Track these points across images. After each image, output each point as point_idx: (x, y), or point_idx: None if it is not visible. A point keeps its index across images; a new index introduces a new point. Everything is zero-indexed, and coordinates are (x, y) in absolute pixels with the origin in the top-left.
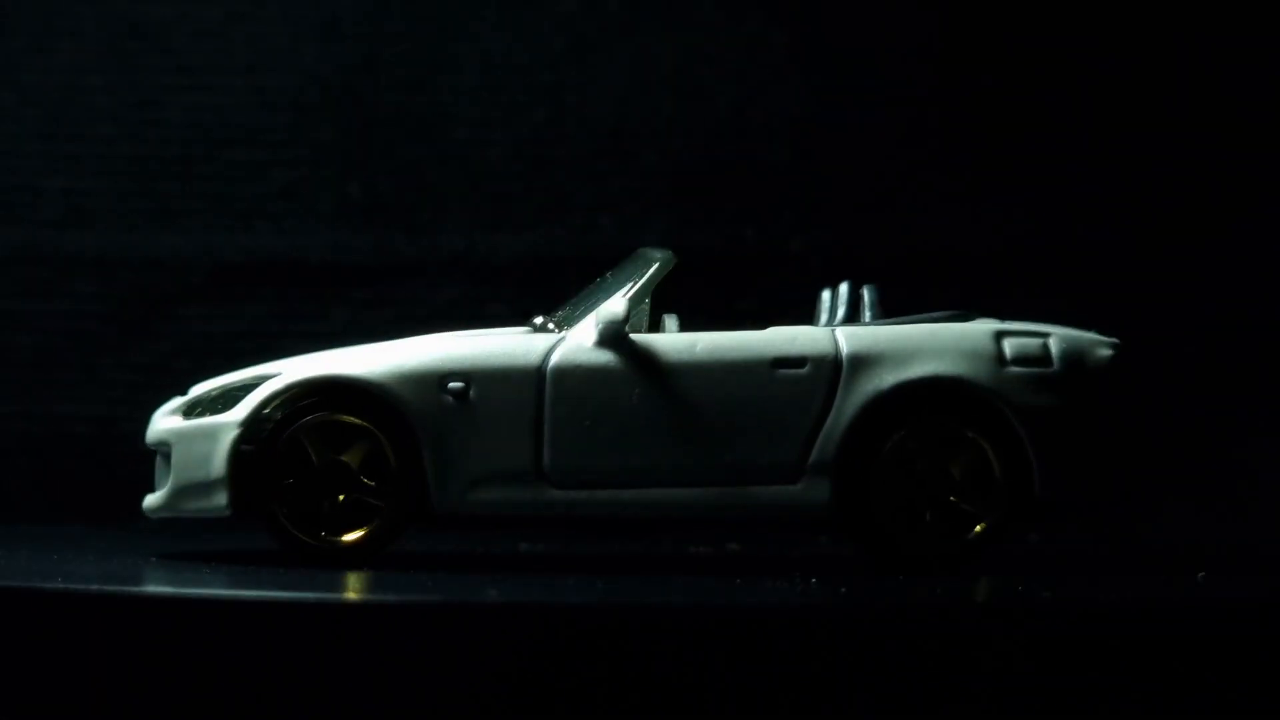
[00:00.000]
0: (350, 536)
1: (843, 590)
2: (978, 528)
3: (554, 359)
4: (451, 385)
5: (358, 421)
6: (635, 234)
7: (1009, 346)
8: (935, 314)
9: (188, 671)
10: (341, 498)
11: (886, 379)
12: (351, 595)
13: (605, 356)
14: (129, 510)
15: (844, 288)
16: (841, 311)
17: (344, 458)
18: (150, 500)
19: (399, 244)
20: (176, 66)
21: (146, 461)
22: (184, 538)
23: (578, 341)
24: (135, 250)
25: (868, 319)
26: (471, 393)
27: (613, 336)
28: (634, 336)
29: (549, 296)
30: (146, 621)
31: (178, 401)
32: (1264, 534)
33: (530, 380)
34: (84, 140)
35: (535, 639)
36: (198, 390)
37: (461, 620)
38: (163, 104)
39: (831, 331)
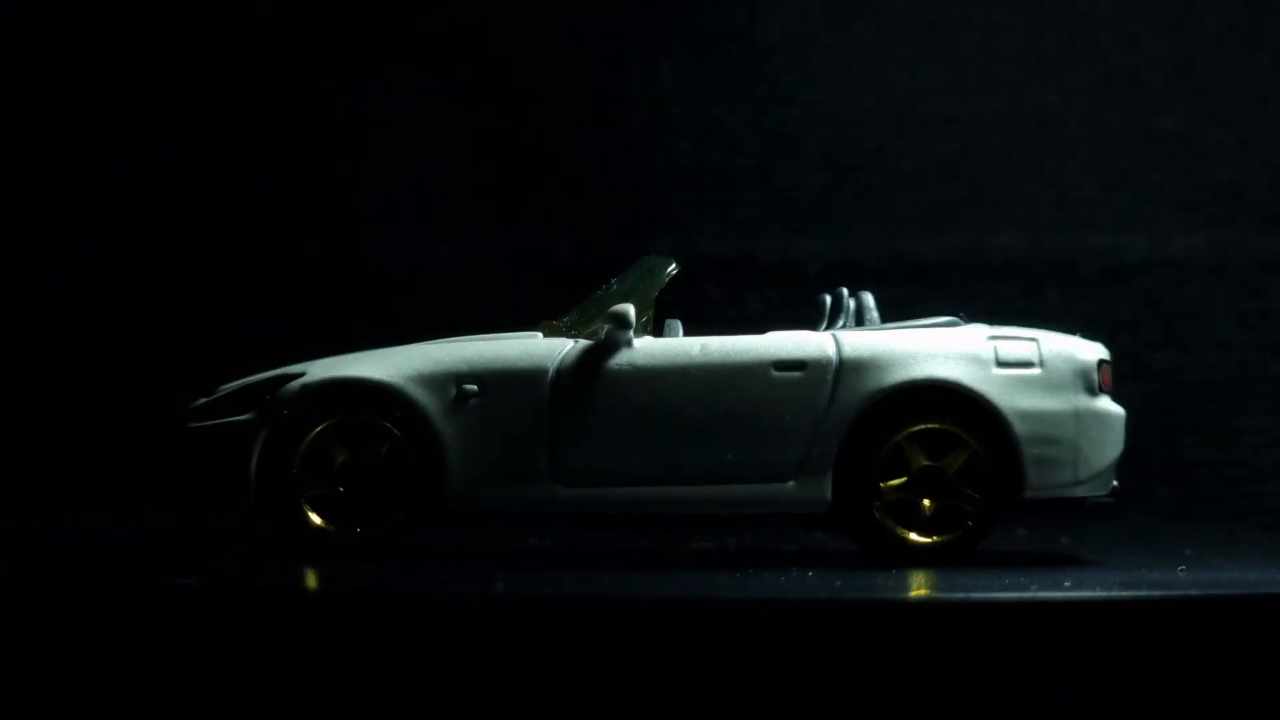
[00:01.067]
0: (369, 530)
1: (838, 583)
2: (970, 523)
3: (563, 362)
4: (466, 387)
5: (377, 422)
6: (641, 242)
7: (1000, 350)
8: (930, 319)
9: (187, 661)
10: (342, 491)
11: (884, 381)
12: (370, 588)
13: (611, 360)
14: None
15: (843, 294)
16: (840, 317)
17: (365, 456)
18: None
19: None
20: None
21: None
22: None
23: (585, 345)
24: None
25: (866, 324)
26: (485, 395)
27: (619, 341)
28: (639, 340)
29: (556, 302)
30: (167, 613)
31: (203, 401)
32: (1245, 528)
33: (540, 383)
34: None
35: (539, 632)
36: (224, 390)
37: (469, 613)
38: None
39: (830, 336)
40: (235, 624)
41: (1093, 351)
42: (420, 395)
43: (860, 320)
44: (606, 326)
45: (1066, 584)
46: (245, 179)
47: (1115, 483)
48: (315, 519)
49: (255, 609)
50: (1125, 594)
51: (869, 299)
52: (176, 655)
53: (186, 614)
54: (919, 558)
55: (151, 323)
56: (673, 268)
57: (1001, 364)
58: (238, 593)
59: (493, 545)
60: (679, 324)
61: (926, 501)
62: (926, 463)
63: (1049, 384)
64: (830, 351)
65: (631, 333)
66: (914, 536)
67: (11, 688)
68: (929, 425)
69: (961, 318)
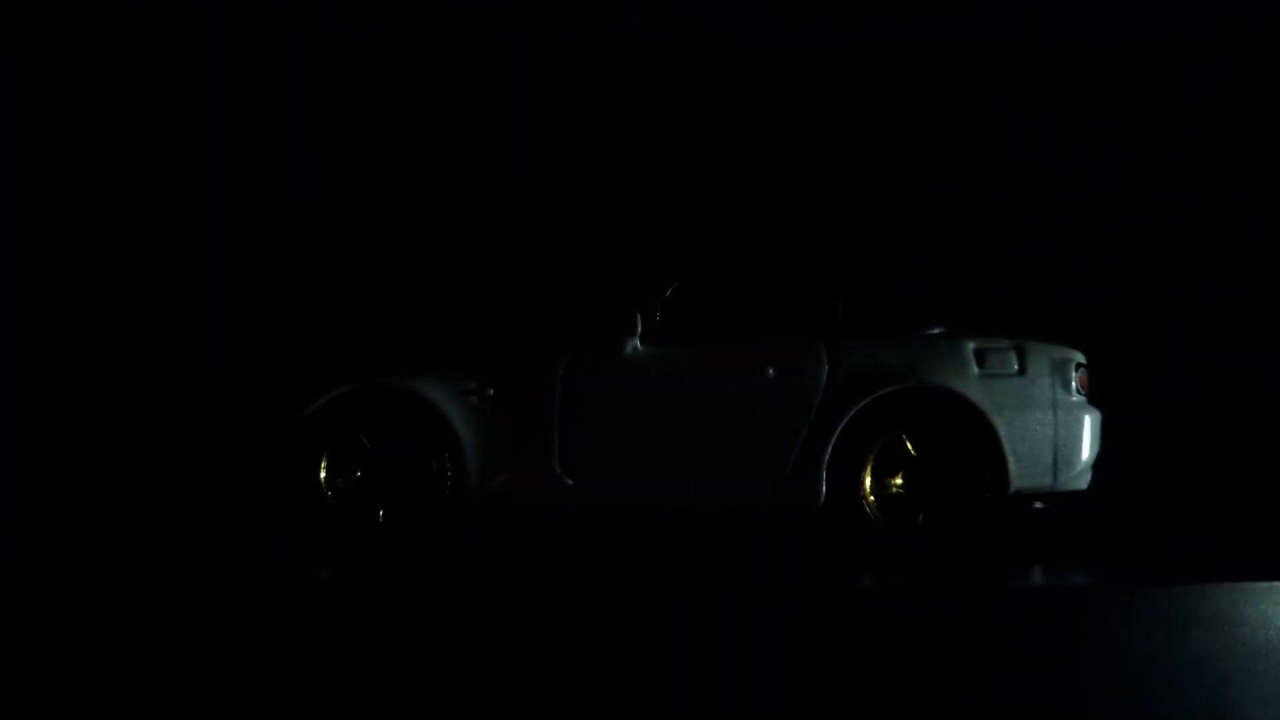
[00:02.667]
0: (388, 525)
1: (832, 578)
2: (956, 520)
3: (572, 367)
4: (483, 391)
5: (398, 422)
6: (644, 250)
7: (987, 358)
8: (922, 329)
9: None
10: (360, 476)
11: (877, 387)
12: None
13: (617, 364)
14: None
15: (837, 303)
16: (835, 325)
17: (388, 456)
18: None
19: None
20: None
21: None
22: None
23: (592, 351)
24: None
25: (858, 332)
26: (499, 398)
27: (624, 345)
28: (643, 346)
29: (565, 309)
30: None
31: None
32: (1226, 523)
33: (551, 386)
34: None
35: (541, 625)
36: None
37: (477, 610)
38: None
39: (825, 343)
40: (240, 621)
41: (1070, 356)
42: (439, 398)
43: (853, 329)
44: (612, 334)
45: (1050, 576)
46: (271, 180)
47: (1091, 480)
48: (337, 510)
49: (260, 605)
50: (1103, 583)
51: (862, 308)
52: (178, 654)
53: (190, 611)
54: (908, 553)
55: (163, 321)
56: (675, 275)
57: (988, 371)
58: (244, 590)
59: (500, 542)
60: (683, 330)
61: (915, 499)
62: (915, 463)
63: (1030, 388)
64: (825, 358)
65: (636, 339)
66: (907, 534)
67: (11, 688)
68: (918, 428)
69: (952, 328)
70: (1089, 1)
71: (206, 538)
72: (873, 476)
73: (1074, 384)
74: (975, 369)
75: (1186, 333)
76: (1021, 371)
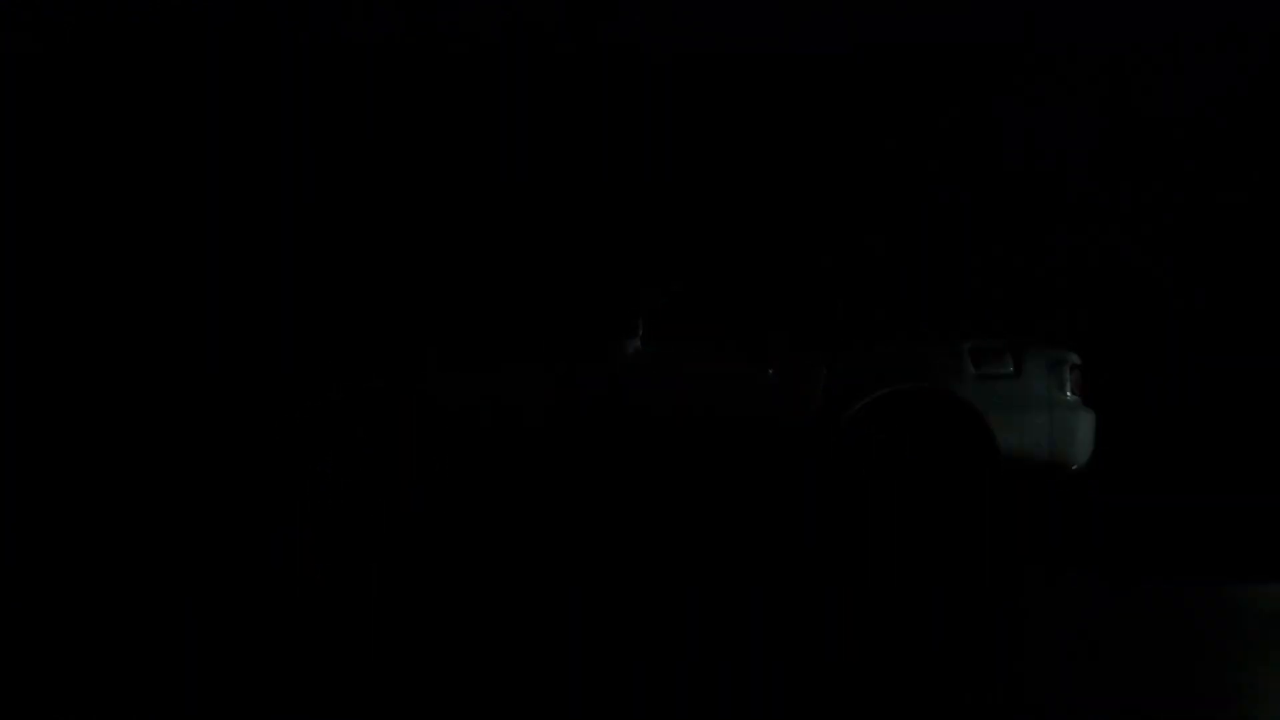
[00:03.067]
0: (388, 525)
1: (831, 576)
2: (955, 520)
3: (573, 369)
4: (489, 392)
5: (404, 423)
6: (645, 251)
7: (983, 358)
8: (920, 329)
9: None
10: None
11: (877, 389)
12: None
13: (619, 366)
14: None
15: (836, 306)
16: (836, 328)
17: (390, 454)
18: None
19: None
20: None
21: None
22: None
23: (594, 352)
24: None
25: (857, 335)
26: (504, 399)
27: (625, 348)
28: (644, 347)
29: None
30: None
31: None
32: (1226, 523)
33: (552, 388)
34: None
35: (541, 625)
36: None
37: (477, 610)
38: None
39: (824, 345)
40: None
41: (1066, 357)
42: (446, 400)
43: (853, 329)
44: (614, 333)
45: (1041, 574)
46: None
47: (1087, 479)
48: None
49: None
50: (1090, 579)
51: (862, 308)
52: (178, 654)
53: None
54: (909, 550)
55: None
56: (675, 281)
57: (984, 372)
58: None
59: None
60: (683, 331)
61: (912, 499)
62: (914, 463)
63: (1025, 388)
64: (824, 360)
65: (638, 339)
66: (904, 531)
67: (11, 688)
68: (915, 428)
69: (950, 330)
70: (1089, 1)
71: (206, 538)
72: (872, 475)
73: (1069, 384)
74: (971, 369)
75: (1186, 333)
76: (1017, 372)
